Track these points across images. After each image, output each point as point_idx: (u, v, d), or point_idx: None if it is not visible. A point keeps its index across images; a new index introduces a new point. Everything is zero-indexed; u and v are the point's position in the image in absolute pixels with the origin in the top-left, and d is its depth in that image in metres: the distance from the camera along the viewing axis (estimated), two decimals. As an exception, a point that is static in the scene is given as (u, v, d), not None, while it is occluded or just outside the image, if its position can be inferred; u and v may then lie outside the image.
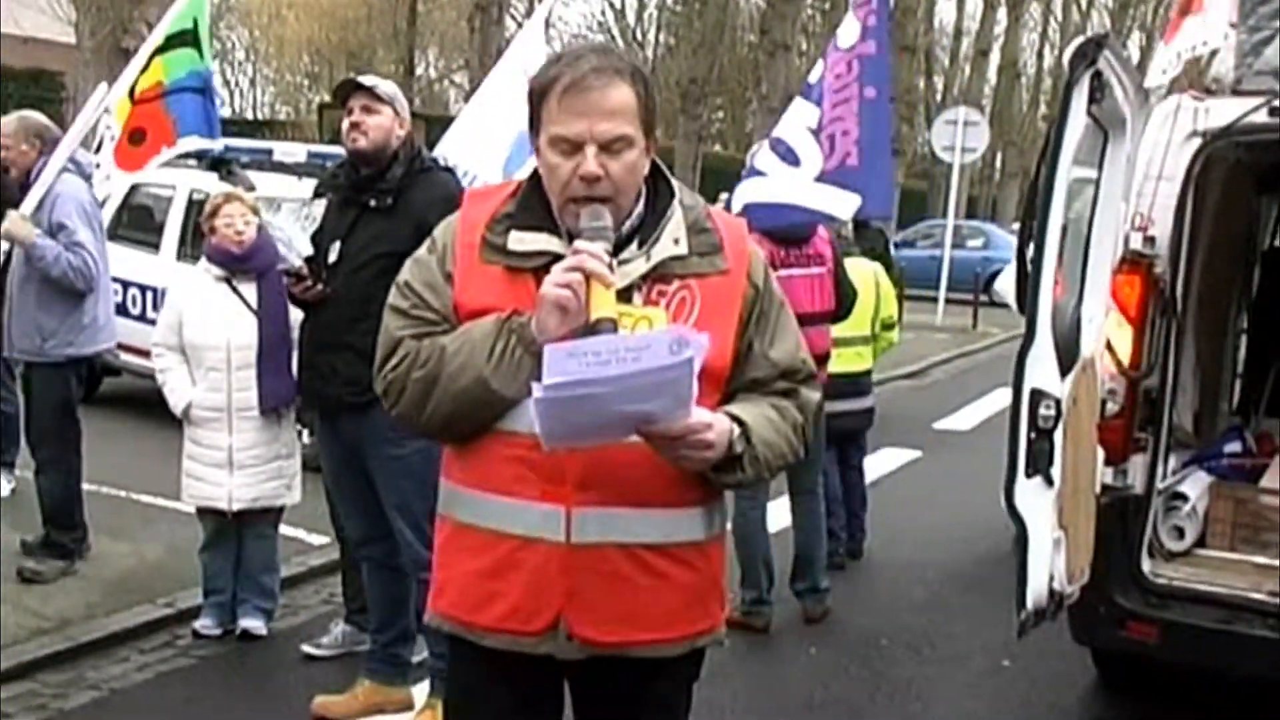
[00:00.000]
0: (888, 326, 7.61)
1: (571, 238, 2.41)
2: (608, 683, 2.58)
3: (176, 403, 5.59)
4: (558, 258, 2.40)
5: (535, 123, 2.47)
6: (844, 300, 6.25)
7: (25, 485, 6.55)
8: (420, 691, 4.96)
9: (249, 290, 5.53)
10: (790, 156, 6.12)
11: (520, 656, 2.50)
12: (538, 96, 2.45)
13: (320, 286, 4.61)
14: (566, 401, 2.22)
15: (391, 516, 4.67)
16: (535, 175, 2.51)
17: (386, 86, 4.72)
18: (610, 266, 2.33)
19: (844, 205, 6.13)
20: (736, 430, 2.42)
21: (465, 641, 2.57)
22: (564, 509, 2.42)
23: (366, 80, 4.70)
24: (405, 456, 4.49)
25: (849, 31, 6.39)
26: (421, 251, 2.58)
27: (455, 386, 2.42)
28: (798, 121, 6.19)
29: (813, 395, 2.61)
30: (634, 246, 2.46)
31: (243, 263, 5.52)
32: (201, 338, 5.51)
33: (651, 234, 2.47)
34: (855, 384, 7.13)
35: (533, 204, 2.50)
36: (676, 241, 2.48)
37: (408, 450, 4.44)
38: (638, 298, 2.44)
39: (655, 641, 2.52)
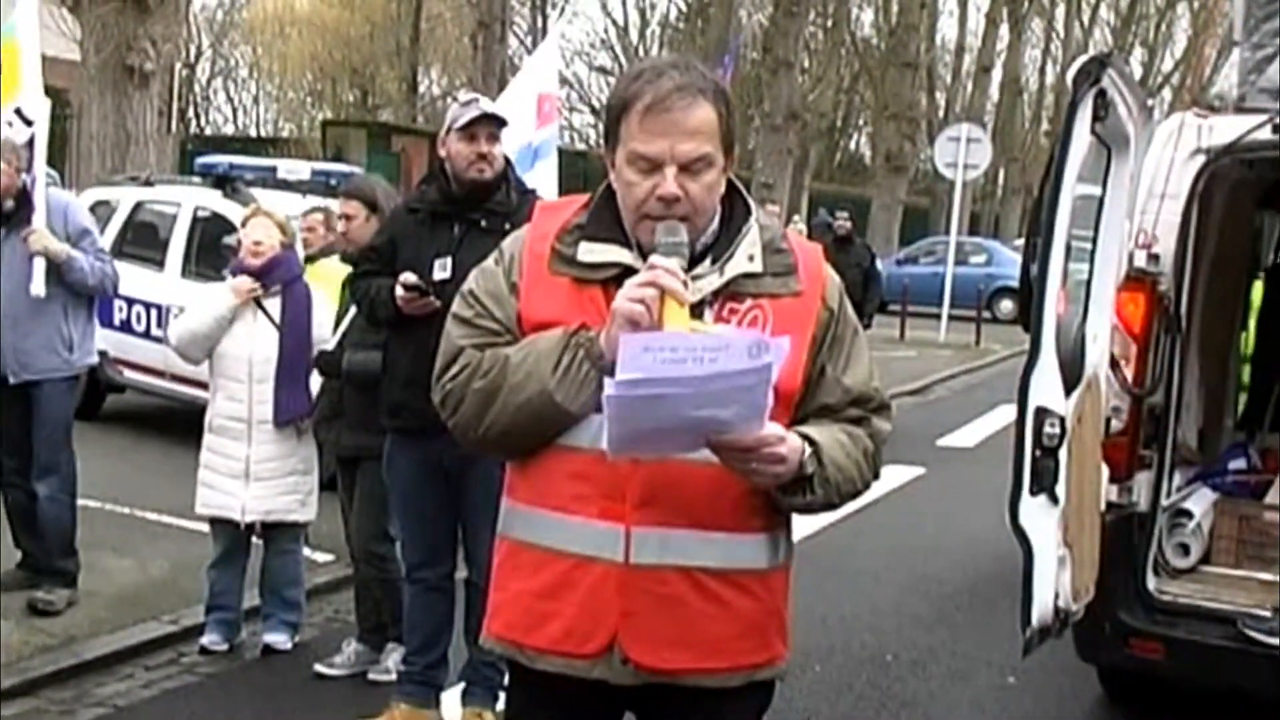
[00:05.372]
0: None
1: (643, 252, 2.37)
2: (668, 714, 2.51)
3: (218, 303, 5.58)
4: (627, 270, 2.36)
5: (612, 137, 2.41)
6: None
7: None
8: (450, 700, 4.94)
9: (273, 305, 5.60)
10: None
11: (573, 681, 2.43)
12: (617, 111, 2.39)
13: (437, 301, 4.47)
14: (639, 401, 2.16)
15: (477, 528, 4.54)
16: (609, 188, 2.47)
17: (499, 110, 4.64)
18: (685, 283, 2.29)
19: None
20: (808, 449, 2.36)
21: (519, 665, 2.52)
22: (623, 528, 2.36)
23: (497, 110, 4.56)
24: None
25: None
26: (488, 262, 2.54)
27: (517, 399, 2.37)
28: None
29: (884, 426, 2.53)
30: (707, 263, 2.40)
31: (260, 276, 5.56)
32: (225, 348, 5.57)
33: (726, 250, 2.42)
34: None
35: (604, 216, 2.46)
36: (751, 258, 2.42)
37: None
38: (709, 314, 2.38)
39: (711, 671, 2.44)
